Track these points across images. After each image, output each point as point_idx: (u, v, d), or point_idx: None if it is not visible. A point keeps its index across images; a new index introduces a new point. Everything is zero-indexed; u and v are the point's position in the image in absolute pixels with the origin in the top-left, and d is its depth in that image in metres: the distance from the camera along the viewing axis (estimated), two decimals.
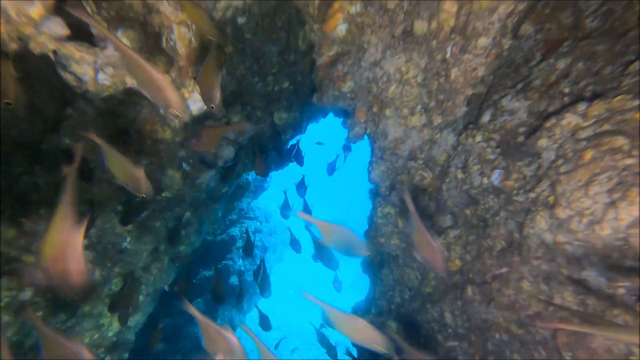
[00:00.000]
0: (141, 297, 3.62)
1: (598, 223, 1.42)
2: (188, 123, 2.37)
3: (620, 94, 1.49)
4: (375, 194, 3.27)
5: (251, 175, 7.78)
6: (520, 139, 2.12)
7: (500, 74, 2.21)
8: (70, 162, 1.27)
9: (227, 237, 7.51)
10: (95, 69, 1.76)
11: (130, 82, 1.93)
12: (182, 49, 1.91)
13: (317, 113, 5.22)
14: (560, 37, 1.81)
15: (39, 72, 2.02)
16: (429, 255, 1.84)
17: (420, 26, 2.04)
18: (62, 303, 2.63)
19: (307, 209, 5.26)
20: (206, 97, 1.90)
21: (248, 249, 4.58)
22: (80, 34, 1.68)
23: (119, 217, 2.94)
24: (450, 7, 1.95)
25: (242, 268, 7.37)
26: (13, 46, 1.66)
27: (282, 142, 4.86)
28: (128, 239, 3.31)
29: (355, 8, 2.26)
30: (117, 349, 3.35)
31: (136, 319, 3.64)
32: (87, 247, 2.71)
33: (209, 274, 6.60)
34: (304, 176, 5.13)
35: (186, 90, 2.09)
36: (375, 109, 2.59)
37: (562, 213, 1.58)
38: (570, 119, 1.59)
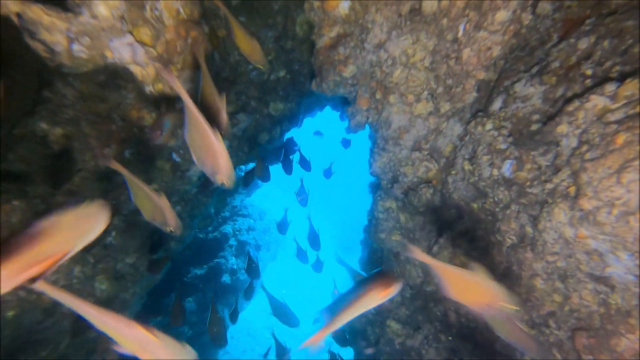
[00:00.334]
0: (127, 296, 3.42)
1: (632, 214, 1.29)
2: (179, 107, 2.19)
3: None
4: (375, 187, 3.12)
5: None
6: (534, 127, 1.99)
7: (512, 58, 2.07)
8: None
9: (219, 235, 7.31)
10: (68, 38, 1.57)
11: (112, 56, 1.75)
12: (169, 20, 1.73)
13: (313, 105, 5.06)
14: (581, 15, 1.68)
15: (9, 47, 1.82)
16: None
17: (429, 4, 1.89)
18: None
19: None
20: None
21: (252, 271, 4.27)
22: None
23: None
24: None
25: (235, 266, 7.18)
26: None
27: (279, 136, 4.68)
28: (113, 234, 3.11)
29: None
30: (99, 351, 3.15)
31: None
32: None
33: (201, 273, 6.40)
34: (302, 181, 4.91)
35: (174, 68, 1.91)
36: (378, 96, 2.43)
37: (587, 204, 1.44)
38: (597, 101, 1.46)
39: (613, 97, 1.40)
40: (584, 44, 1.65)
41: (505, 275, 2.14)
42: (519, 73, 2.02)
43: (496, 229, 2.20)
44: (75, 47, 1.60)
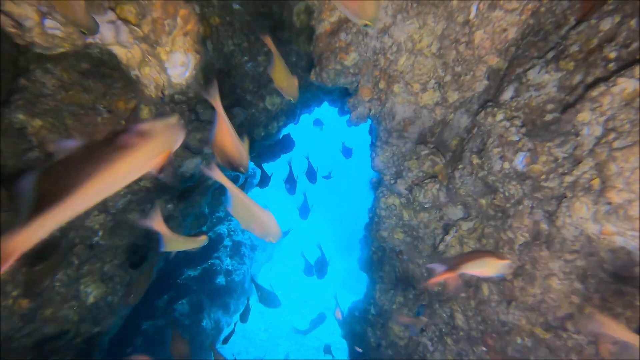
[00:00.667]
0: (115, 298, 3.24)
1: None
2: (168, 95, 2.03)
3: None
4: (377, 183, 2.99)
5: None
6: (549, 117, 1.86)
7: (525, 44, 1.94)
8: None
9: (213, 235, 7.13)
10: (40, 13, 1.40)
11: (92, 37, 1.58)
12: None
13: (310, 101, 4.91)
14: None
15: None
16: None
17: None
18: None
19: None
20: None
21: (244, 315, 4.12)
22: None
23: None
24: None
25: (230, 267, 7.00)
26: None
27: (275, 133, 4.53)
28: (100, 233, 2.93)
29: None
30: (85, 357, 2.97)
31: (109, 322, 3.26)
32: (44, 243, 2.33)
33: (194, 274, 6.22)
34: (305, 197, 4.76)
35: (162, 50, 1.75)
36: (381, 85, 2.29)
37: (616, 197, 1.32)
38: (626, 85, 1.34)
39: None
40: (606, 24, 1.53)
41: (517, 275, 2.02)
42: (532, 59, 1.90)
43: (507, 226, 2.08)
44: (48, 22, 1.44)
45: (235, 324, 4.45)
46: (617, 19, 1.49)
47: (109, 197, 2.91)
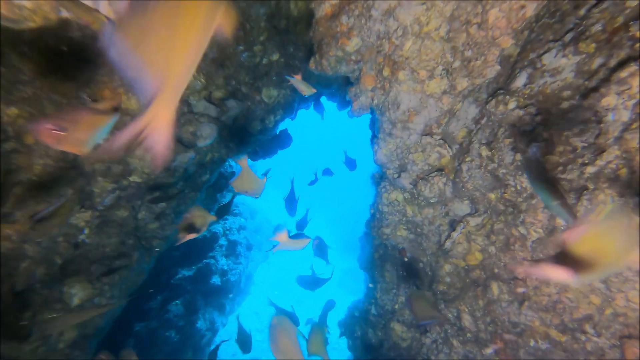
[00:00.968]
0: (104, 301, 3.08)
1: None
2: None
3: None
4: (379, 178, 2.86)
5: (236, 166, 7.25)
6: (565, 105, 1.74)
7: (539, 27, 1.82)
8: None
9: (208, 235, 6.96)
10: None
11: (66, 11, 1.43)
12: None
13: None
14: None
15: None
16: None
17: None
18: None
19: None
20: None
21: (245, 344, 3.89)
22: None
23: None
24: None
25: (225, 267, 6.85)
26: None
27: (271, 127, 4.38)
28: (86, 231, 2.76)
29: None
30: None
31: (98, 324, 3.10)
32: (24, 241, 2.17)
33: (189, 274, 6.05)
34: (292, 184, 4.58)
35: None
36: (385, 73, 2.16)
37: None
38: None
39: None
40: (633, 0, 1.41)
41: (529, 272, 1.90)
42: (547, 43, 1.77)
43: (519, 221, 1.96)
44: None
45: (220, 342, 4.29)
46: None
47: (95, 193, 2.74)
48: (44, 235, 2.23)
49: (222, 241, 7.32)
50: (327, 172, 5.22)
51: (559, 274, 0.89)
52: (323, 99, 5.25)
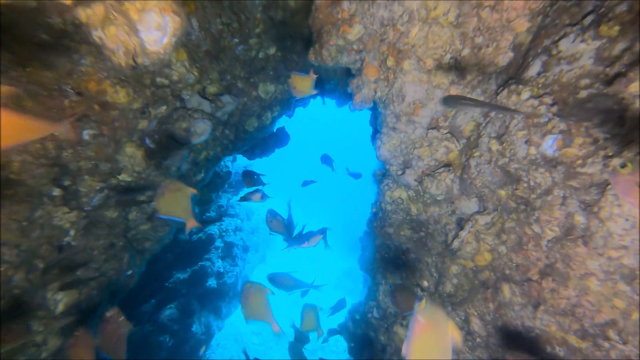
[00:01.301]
0: (91, 306, 2.92)
1: None
2: (144, 66, 1.73)
3: None
4: (382, 175, 2.73)
5: (235, 166, 7.09)
6: (583, 94, 1.63)
7: (554, 11, 1.71)
8: None
9: (204, 237, 6.79)
10: None
11: None
12: None
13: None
14: None
15: None
16: None
17: None
18: None
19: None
20: None
21: None
22: None
23: None
24: None
25: (222, 270, 6.68)
26: None
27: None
28: (72, 233, 2.60)
29: None
30: None
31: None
32: (3, 244, 2.01)
33: (183, 277, 5.88)
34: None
35: (132, 7, 1.44)
36: (390, 63, 2.03)
37: None
38: None
39: None
40: None
41: (546, 275, 1.78)
42: (563, 28, 1.66)
43: (533, 219, 1.84)
44: None
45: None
46: None
47: (82, 193, 2.59)
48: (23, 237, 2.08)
49: (218, 243, 7.16)
50: (326, 160, 4.87)
51: None
52: (320, 99, 5.12)
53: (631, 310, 1.45)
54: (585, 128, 1.55)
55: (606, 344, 1.53)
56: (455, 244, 2.21)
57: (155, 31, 1.48)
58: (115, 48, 1.55)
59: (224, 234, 7.51)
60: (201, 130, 3.09)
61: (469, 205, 2.28)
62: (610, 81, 1.43)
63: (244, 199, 2.81)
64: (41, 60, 1.87)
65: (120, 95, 2.32)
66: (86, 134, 2.31)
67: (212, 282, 6.22)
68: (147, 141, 2.87)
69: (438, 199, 2.25)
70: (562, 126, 1.65)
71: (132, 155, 2.79)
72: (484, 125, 2.09)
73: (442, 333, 1.06)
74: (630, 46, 1.42)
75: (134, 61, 1.58)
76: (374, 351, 3.11)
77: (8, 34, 1.71)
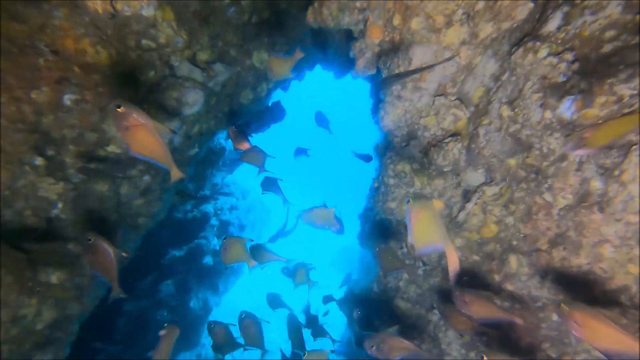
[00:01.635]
0: (85, 280, 2.84)
1: None
2: (125, 17, 1.55)
3: None
4: (384, 148, 2.62)
5: (229, 143, 6.90)
6: (607, 48, 1.51)
7: None
8: None
9: (199, 215, 6.70)
10: None
11: None
12: None
13: (301, 62, 4.40)
14: None
15: None
16: None
17: None
18: None
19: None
20: None
21: None
22: None
23: None
24: None
25: (218, 247, 6.65)
26: None
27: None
28: (60, 205, 2.48)
29: None
30: (52, 344, 2.59)
31: (80, 308, 2.88)
32: None
33: (180, 254, 5.84)
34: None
35: None
36: (396, 22, 1.88)
37: None
38: None
39: None
40: None
41: (555, 244, 1.72)
42: None
43: (545, 187, 1.76)
44: None
45: None
46: None
47: (68, 163, 2.45)
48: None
49: (214, 221, 7.10)
50: (321, 121, 4.30)
51: None
52: (318, 68, 4.90)
53: None
54: (609, 85, 1.44)
55: (617, 310, 1.49)
56: (461, 216, 2.14)
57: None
58: None
59: (219, 212, 7.43)
60: (193, 100, 2.92)
61: (475, 177, 2.19)
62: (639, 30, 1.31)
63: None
64: (9, 10, 1.67)
65: (102, 57, 2.14)
66: (67, 99, 2.14)
67: (208, 260, 6.20)
68: None
69: (444, 170, 2.15)
70: (583, 85, 1.54)
71: None
72: (494, 90, 1.97)
73: (433, 214, 1.27)
74: None
75: (113, 7, 1.40)
76: (374, 325, 3.11)
77: None
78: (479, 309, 1.60)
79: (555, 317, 1.74)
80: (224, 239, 2.15)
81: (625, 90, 1.39)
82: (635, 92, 1.37)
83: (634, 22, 1.39)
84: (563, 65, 1.56)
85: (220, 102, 3.52)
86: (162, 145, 1.24)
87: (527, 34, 1.78)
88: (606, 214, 1.48)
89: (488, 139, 2.01)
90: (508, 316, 1.54)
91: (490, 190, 2.06)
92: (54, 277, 2.47)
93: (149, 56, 2.46)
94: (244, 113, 4.06)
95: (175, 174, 1.33)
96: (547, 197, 1.74)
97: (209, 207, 7.11)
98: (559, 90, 1.63)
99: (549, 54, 1.63)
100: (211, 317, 6.43)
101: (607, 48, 1.49)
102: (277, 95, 5.01)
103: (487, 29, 1.73)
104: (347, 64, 3.82)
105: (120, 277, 3.57)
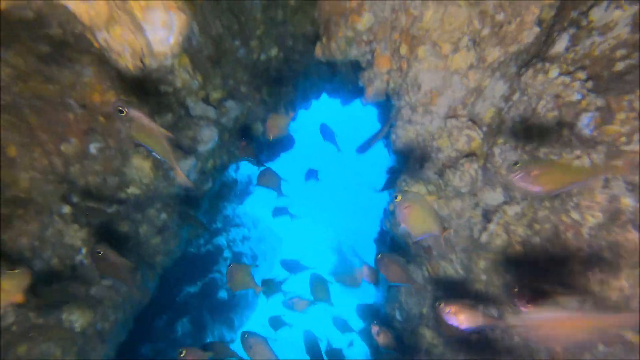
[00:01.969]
0: (107, 325, 2.82)
1: None
2: (151, 69, 1.64)
3: None
4: (397, 171, 2.62)
5: (239, 175, 7.00)
6: (619, 66, 1.52)
7: None
8: None
9: (212, 248, 6.69)
10: None
11: None
12: None
13: (309, 92, 4.54)
14: None
15: None
16: None
17: None
18: None
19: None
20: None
21: None
22: None
23: None
24: None
25: None
26: None
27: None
28: (83, 251, 2.51)
29: None
30: None
31: (101, 352, 2.83)
32: (15, 262, 1.92)
33: (194, 290, 5.78)
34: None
35: (136, 4, 1.35)
36: (403, 51, 1.94)
37: None
38: None
39: None
40: None
41: (589, 263, 1.66)
42: None
43: (570, 206, 1.72)
44: None
45: None
46: None
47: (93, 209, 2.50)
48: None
49: (227, 253, 7.06)
50: (327, 134, 4.07)
51: None
52: (324, 97, 5.03)
53: None
54: (628, 102, 1.44)
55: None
56: (484, 237, 2.09)
57: (162, 29, 1.39)
58: (122, 50, 1.46)
59: (231, 244, 7.41)
60: (207, 137, 3.00)
61: (494, 196, 2.16)
62: None
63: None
64: (43, 73, 1.79)
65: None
66: (93, 147, 2.23)
67: (222, 294, 6.11)
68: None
69: (461, 191, 2.13)
70: (599, 102, 1.54)
71: (139, 168, 2.70)
72: (505, 110, 1.99)
73: (424, 204, 1.42)
74: None
75: (142, 62, 1.49)
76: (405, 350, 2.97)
77: (7, 47, 1.64)
78: (465, 318, 1.59)
79: (601, 347, 1.64)
80: (229, 265, 2.24)
81: None
82: None
83: None
84: (577, 84, 1.57)
85: (233, 137, 3.62)
86: (159, 131, 1.36)
87: (534, 55, 1.82)
88: None
89: (504, 158, 2.00)
90: (495, 322, 1.57)
91: (512, 210, 2.02)
92: (77, 326, 2.45)
93: (166, 100, 2.57)
94: (254, 145, 4.15)
95: (180, 176, 1.52)
96: (574, 215, 1.70)
97: (221, 240, 7.10)
98: (574, 108, 1.63)
99: (560, 74, 1.64)
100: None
101: (620, 66, 1.50)
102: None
103: (494, 53, 1.77)
104: (354, 91, 3.91)
105: (137, 318, 3.51)
